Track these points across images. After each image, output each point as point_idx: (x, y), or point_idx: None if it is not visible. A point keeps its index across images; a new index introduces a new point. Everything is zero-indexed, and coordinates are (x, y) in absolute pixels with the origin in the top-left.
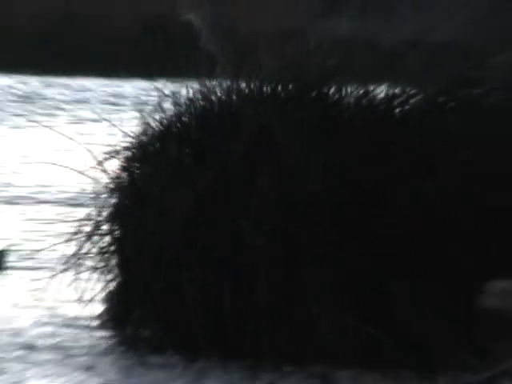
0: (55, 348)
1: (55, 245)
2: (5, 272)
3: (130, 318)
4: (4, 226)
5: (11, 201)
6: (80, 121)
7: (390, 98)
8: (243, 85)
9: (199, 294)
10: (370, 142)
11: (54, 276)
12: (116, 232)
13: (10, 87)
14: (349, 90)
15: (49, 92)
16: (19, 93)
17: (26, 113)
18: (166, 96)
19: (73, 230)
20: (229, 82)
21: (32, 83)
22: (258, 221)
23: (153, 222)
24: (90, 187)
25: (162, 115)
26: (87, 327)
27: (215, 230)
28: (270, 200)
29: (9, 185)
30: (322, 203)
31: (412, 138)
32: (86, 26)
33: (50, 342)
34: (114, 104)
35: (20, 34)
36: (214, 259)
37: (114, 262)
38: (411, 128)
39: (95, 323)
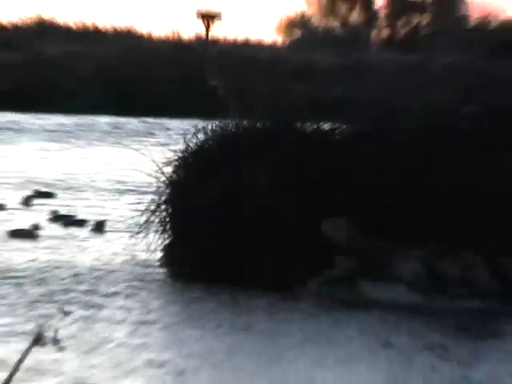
0: (129, 280)
1: (135, 217)
2: (104, 233)
3: (178, 261)
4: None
5: (118, 190)
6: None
7: (333, 129)
8: (246, 122)
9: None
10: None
11: (134, 235)
12: (169, 209)
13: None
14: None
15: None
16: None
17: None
18: (199, 129)
19: (144, 207)
20: (237, 121)
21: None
22: None
23: (191, 202)
24: (154, 182)
25: (196, 141)
26: (153, 267)
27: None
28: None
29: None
30: None
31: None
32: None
33: (126, 276)
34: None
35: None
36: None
37: (167, 226)
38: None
39: (157, 264)
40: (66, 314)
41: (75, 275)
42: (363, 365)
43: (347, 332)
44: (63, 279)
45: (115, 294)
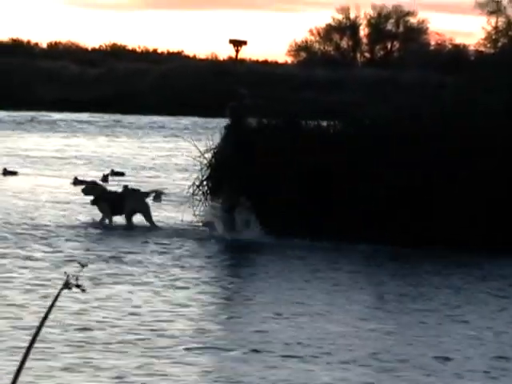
0: (180, 235)
1: (184, 190)
2: (161, 201)
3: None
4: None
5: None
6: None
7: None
8: (263, 121)
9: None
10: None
11: (183, 203)
12: (209, 184)
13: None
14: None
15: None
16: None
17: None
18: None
19: (191, 183)
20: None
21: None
22: None
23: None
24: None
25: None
26: (196, 227)
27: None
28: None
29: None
30: None
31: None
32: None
33: (174, 231)
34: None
35: None
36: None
37: (207, 197)
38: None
39: (200, 224)
40: (83, 265)
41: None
42: None
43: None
44: None
45: (167, 243)
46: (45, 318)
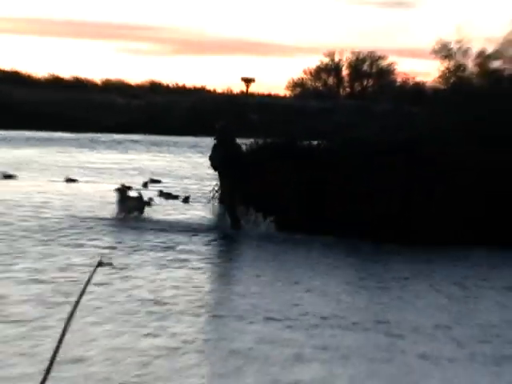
0: (201, 227)
1: (206, 193)
2: (189, 203)
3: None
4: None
5: (197, 178)
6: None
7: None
8: (268, 140)
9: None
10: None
11: (205, 204)
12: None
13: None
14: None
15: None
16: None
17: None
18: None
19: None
20: (263, 139)
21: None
22: None
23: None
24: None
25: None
26: (210, 218)
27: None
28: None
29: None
30: None
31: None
32: None
33: (198, 225)
34: None
35: None
36: None
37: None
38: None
39: (213, 217)
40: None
41: (171, 225)
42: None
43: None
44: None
45: (195, 234)
46: (82, 293)
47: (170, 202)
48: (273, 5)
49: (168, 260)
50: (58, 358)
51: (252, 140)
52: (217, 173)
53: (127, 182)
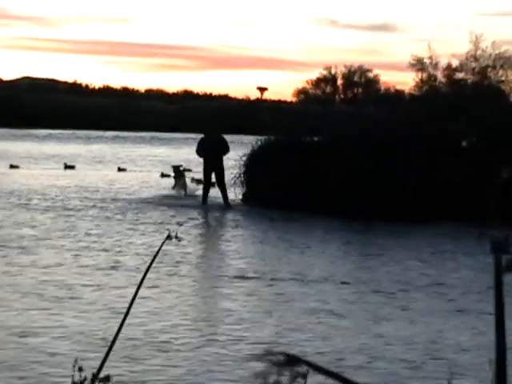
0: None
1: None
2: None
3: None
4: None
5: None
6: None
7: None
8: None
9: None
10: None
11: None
12: (244, 176)
13: None
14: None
15: None
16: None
17: None
18: (257, 141)
19: (234, 175)
20: (273, 137)
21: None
22: None
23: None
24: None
25: (256, 146)
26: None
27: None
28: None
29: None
30: None
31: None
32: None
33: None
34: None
35: None
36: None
37: (244, 185)
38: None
39: (239, 202)
40: (180, 224)
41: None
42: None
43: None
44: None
45: (215, 213)
46: (151, 263)
47: (201, 186)
48: (282, 30)
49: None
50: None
51: (265, 137)
52: (204, 161)
53: (166, 170)
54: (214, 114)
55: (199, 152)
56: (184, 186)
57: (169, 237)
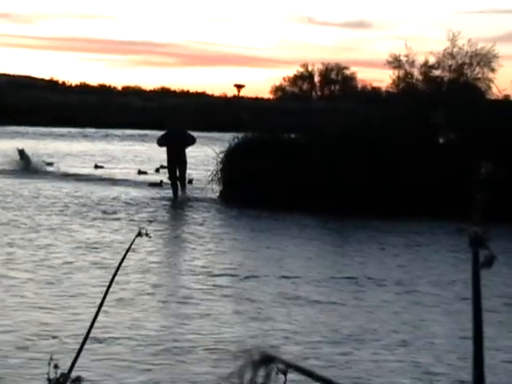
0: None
1: (207, 177)
2: (193, 184)
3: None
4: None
5: (200, 164)
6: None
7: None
8: (253, 134)
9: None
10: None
11: (206, 185)
12: (221, 173)
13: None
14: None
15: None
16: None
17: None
18: (234, 138)
19: (210, 172)
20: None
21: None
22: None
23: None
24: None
25: (233, 143)
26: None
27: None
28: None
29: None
30: None
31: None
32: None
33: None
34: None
35: None
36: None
37: (221, 182)
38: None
39: (216, 198)
40: (151, 222)
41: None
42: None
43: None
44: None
45: (194, 207)
46: (122, 259)
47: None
48: (259, 27)
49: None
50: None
51: (242, 134)
52: (167, 154)
53: (143, 167)
54: (175, 110)
55: (159, 142)
56: (27, 164)
57: (139, 234)
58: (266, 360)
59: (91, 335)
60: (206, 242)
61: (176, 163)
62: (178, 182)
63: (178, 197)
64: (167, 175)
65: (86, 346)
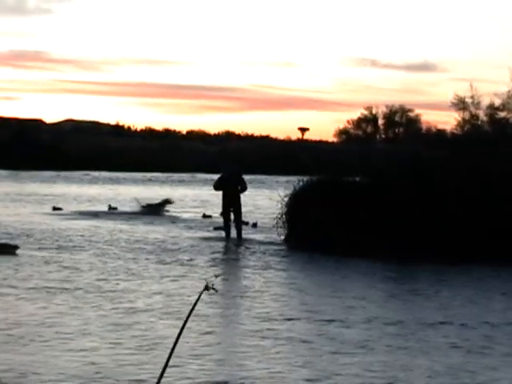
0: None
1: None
2: (256, 227)
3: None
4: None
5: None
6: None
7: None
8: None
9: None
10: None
11: (271, 229)
12: (287, 217)
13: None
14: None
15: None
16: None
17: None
18: (299, 181)
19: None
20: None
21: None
22: None
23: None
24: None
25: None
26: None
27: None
28: None
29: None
30: None
31: None
32: None
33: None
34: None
35: None
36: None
37: (286, 225)
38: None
39: (281, 241)
40: (217, 276)
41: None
42: None
43: None
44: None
45: (253, 252)
46: (189, 313)
47: (243, 226)
48: (322, 70)
49: None
50: None
51: (303, 178)
52: (222, 198)
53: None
54: (233, 153)
55: (216, 186)
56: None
57: (206, 288)
58: None
59: None
60: (274, 286)
61: (231, 207)
62: (233, 227)
63: (238, 241)
64: (222, 220)
65: None
